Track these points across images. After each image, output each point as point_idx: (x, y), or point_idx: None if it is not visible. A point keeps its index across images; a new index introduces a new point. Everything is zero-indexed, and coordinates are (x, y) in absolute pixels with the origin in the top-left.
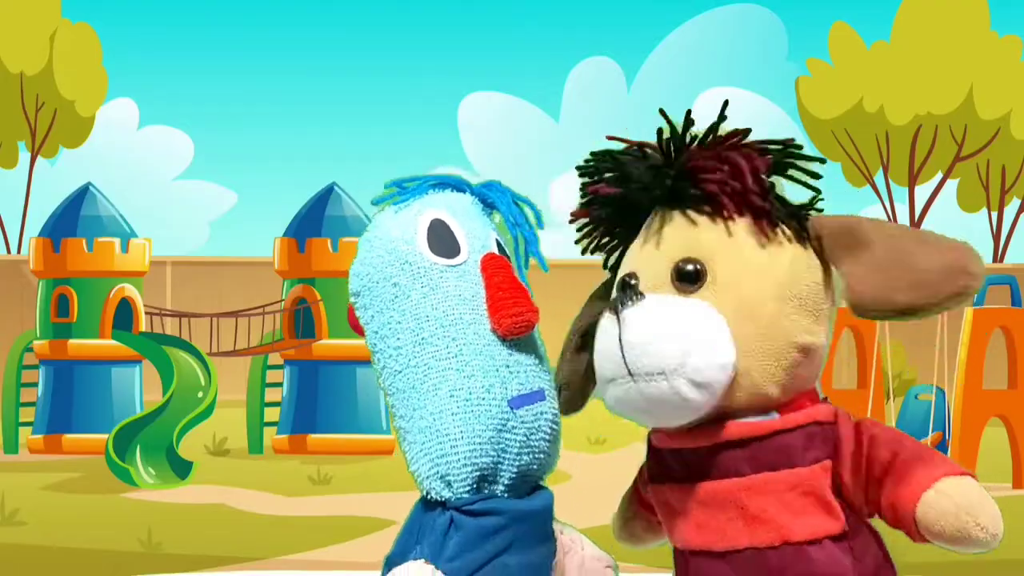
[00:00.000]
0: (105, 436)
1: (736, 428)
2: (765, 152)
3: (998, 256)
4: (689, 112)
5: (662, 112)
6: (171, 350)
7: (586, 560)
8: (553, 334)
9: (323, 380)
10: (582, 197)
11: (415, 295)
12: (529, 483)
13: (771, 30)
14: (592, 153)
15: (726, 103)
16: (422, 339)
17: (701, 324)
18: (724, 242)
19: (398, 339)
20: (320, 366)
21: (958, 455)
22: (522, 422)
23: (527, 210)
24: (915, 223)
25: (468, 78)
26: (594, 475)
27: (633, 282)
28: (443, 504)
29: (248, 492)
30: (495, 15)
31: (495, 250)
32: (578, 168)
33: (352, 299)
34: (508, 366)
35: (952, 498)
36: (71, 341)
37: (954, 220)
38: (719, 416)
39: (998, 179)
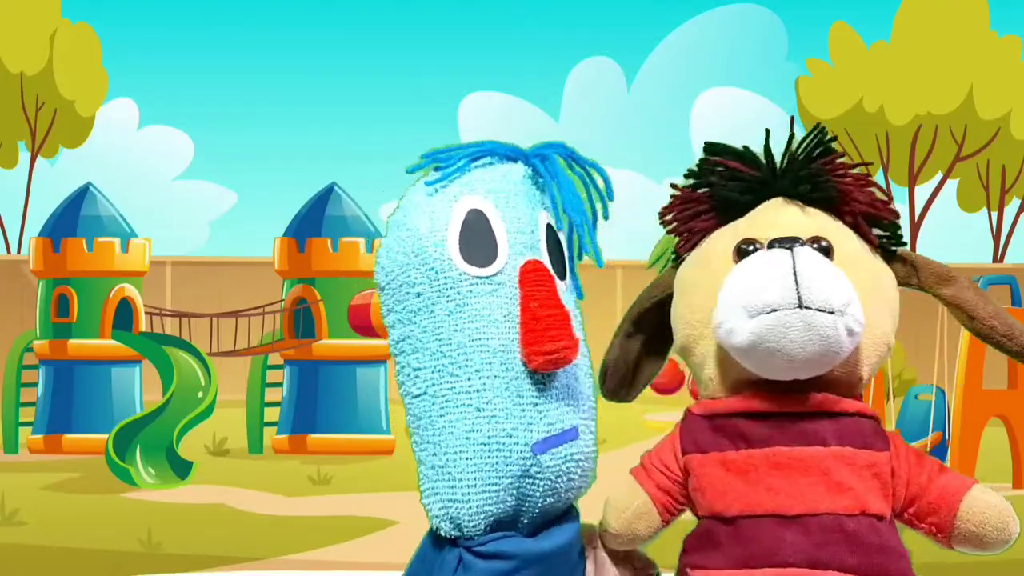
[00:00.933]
0: (105, 436)
1: (832, 399)
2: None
3: (998, 256)
4: (818, 124)
5: (791, 121)
6: (171, 350)
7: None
8: None
9: (323, 380)
10: (703, 171)
11: (439, 310)
12: (556, 516)
13: (771, 30)
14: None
15: (823, 131)
16: (442, 366)
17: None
18: (843, 235)
19: (418, 358)
20: (320, 366)
21: (958, 455)
22: (547, 467)
23: (593, 182)
24: (915, 223)
25: (468, 78)
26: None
27: (795, 238)
28: (453, 541)
29: (248, 492)
30: (495, 15)
31: (541, 250)
32: (707, 145)
33: (378, 290)
34: (536, 404)
35: (991, 496)
36: (71, 341)
37: (954, 220)
38: (816, 386)
39: (998, 179)
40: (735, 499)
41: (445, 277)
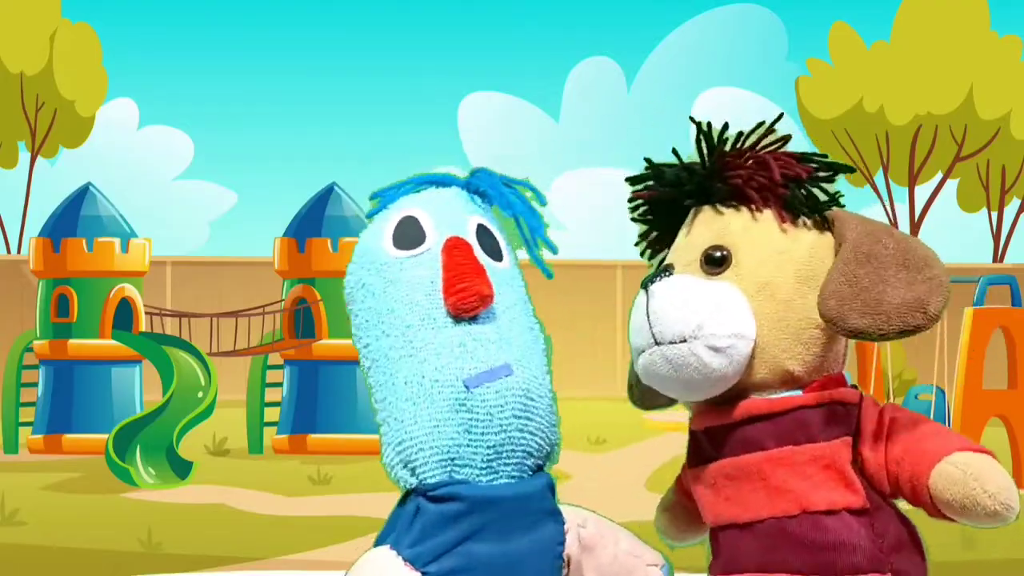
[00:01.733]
0: (105, 436)
1: (759, 403)
2: (800, 159)
3: (998, 256)
4: (726, 124)
5: (691, 119)
6: (171, 350)
7: (620, 555)
8: (562, 333)
9: (323, 380)
10: (630, 205)
11: (378, 290)
12: (517, 464)
13: (771, 30)
14: (644, 167)
15: (778, 117)
16: (383, 333)
17: (720, 297)
18: (748, 230)
19: (366, 336)
20: (320, 366)
21: None
22: (482, 400)
23: (525, 192)
24: (915, 223)
25: (468, 78)
26: (594, 475)
27: (667, 268)
28: (413, 492)
29: (248, 492)
30: (495, 15)
31: (466, 234)
32: (627, 179)
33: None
34: (463, 344)
35: (961, 467)
36: (71, 341)
37: (954, 220)
38: (745, 394)
39: (998, 179)
40: (708, 511)
41: (381, 264)
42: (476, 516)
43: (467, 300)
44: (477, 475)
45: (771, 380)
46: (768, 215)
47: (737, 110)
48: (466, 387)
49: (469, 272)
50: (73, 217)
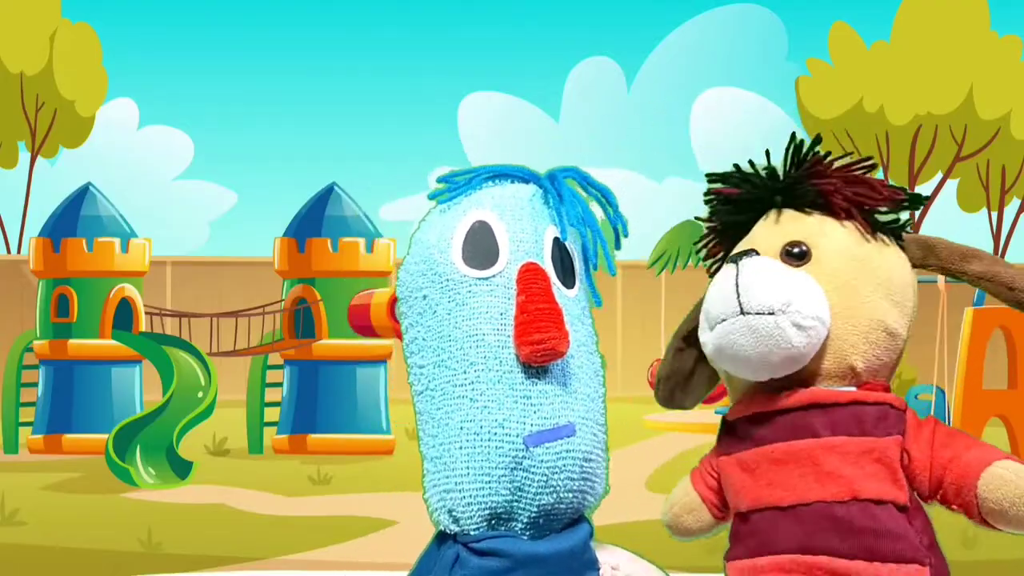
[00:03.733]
0: (105, 436)
1: (820, 392)
2: (887, 187)
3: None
4: (818, 137)
5: (792, 135)
6: (171, 350)
7: None
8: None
9: (323, 380)
10: (706, 198)
11: (441, 311)
12: (560, 519)
13: (771, 30)
14: (734, 167)
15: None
16: (442, 361)
17: (803, 283)
18: (830, 233)
19: (422, 357)
20: (320, 366)
21: None
22: (541, 461)
23: (600, 203)
24: (915, 223)
25: (468, 78)
26: None
27: (751, 250)
28: (453, 537)
29: (248, 492)
30: (495, 15)
31: (543, 257)
32: (708, 175)
33: (398, 303)
34: (529, 397)
35: (1011, 471)
36: (71, 341)
37: (954, 220)
38: (805, 382)
39: (998, 179)
40: (745, 495)
41: (447, 279)
42: (520, 572)
43: (543, 355)
44: (521, 529)
45: (834, 371)
46: (850, 225)
47: (737, 110)
48: (526, 445)
49: (548, 319)
50: (73, 217)
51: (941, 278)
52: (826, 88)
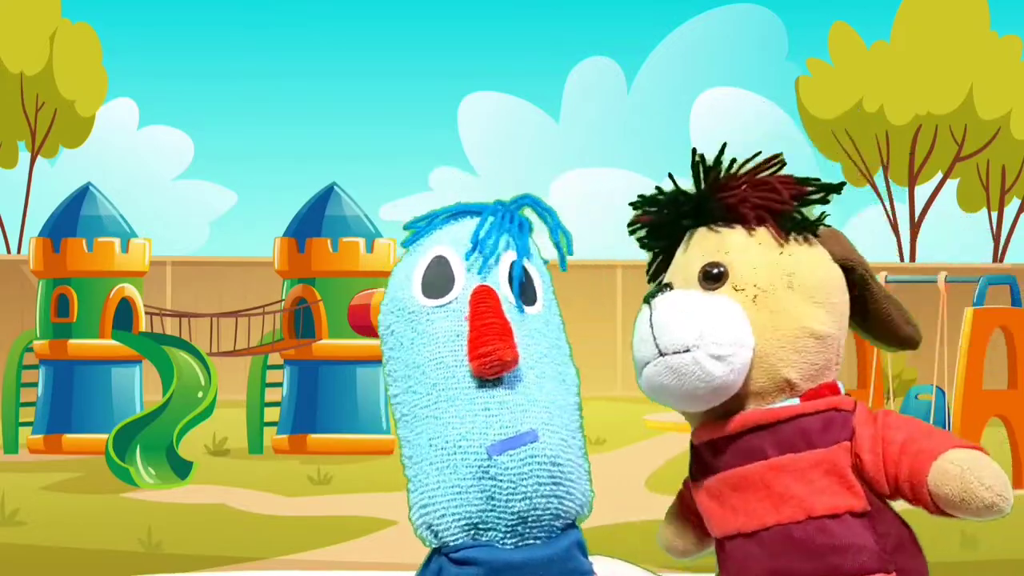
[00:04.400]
0: (105, 436)
1: (758, 413)
2: (794, 182)
3: (998, 256)
4: (723, 147)
5: (694, 152)
6: (171, 350)
7: None
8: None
9: (323, 380)
10: (630, 230)
11: (406, 341)
12: (540, 527)
13: (771, 30)
14: (640, 194)
15: (778, 158)
16: (409, 388)
17: (719, 309)
18: (742, 247)
19: (396, 387)
20: (320, 366)
21: None
22: (506, 468)
23: (546, 223)
24: (915, 223)
25: (468, 78)
26: (594, 475)
27: (667, 285)
28: (438, 551)
29: (248, 492)
30: (495, 15)
31: (498, 280)
32: (630, 204)
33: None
34: (488, 409)
35: (957, 463)
36: (71, 341)
37: (954, 220)
38: (744, 404)
39: (998, 179)
40: (715, 523)
41: (410, 312)
42: None
43: (490, 366)
44: (501, 538)
45: (769, 388)
46: (762, 232)
47: (737, 110)
48: (488, 455)
49: (493, 333)
50: (73, 217)
51: (941, 278)
52: (826, 88)
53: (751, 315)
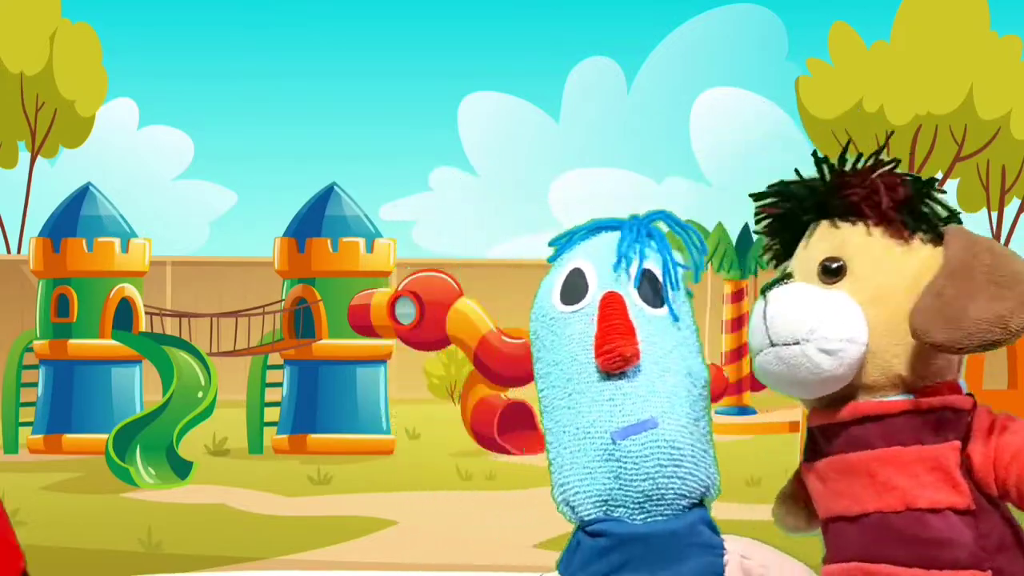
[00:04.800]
0: (105, 436)
1: (866, 405)
2: (908, 181)
3: None
4: (848, 143)
5: (814, 153)
6: (171, 350)
7: None
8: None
9: (323, 380)
10: (756, 217)
11: (547, 343)
12: (670, 504)
13: (771, 30)
14: (768, 185)
15: (882, 146)
16: (552, 384)
17: (834, 304)
18: (864, 244)
19: (541, 383)
20: (320, 366)
21: None
22: (628, 452)
23: (688, 238)
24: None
25: (468, 78)
26: None
27: (787, 276)
28: (579, 527)
29: (248, 492)
30: (495, 15)
31: (627, 287)
32: (751, 195)
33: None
34: (612, 399)
35: None
36: (71, 341)
37: None
38: (858, 395)
39: (998, 179)
40: (820, 505)
41: (551, 319)
42: (623, 550)
43: (612, 361)
44: (630, 515)
45: (883, 383)
46: (884, 230)
47: (737, 110)
48: (612, 440)
49: (616, 332)
50: (73, 217)
51: None
52: (826, 88)
53: (867, 312)
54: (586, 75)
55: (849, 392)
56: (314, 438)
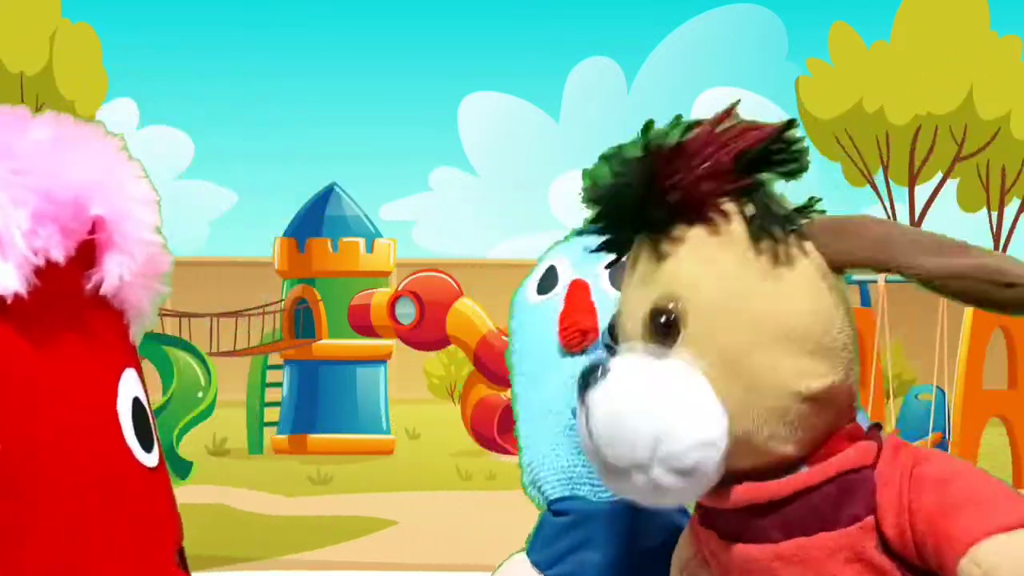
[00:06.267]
0: None
1: (749, 491)
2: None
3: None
4: (678, 117)
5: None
6: (171, 350)
7: None
8: None
9: (323, 380)
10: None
11: (519, 332)
12: None
13: (771, 30)
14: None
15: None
16: (520, 370)
17: (675, 396)
18: (696, 273)
19: (513, 372)
20: (320, 366)
21: (958, 456)
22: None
23: None
24: (915, 223)
25: (468, 78)
26: None
27: (608, 343)
28: (546, 508)
29: (248, 492)
30: (495, 15)
31: (594, 275)
32: (585, 171)
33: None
34: (573, 375)
35: (984, 565)
36: None
37: (954, 220)
38: (740, 481)
39: (998, 179)
40: None
41: (523, 308)
42: (584, 527)
43: (571, 336)
44: (596, 492)
45: (764, 467)
46: (724, 242)
47: (737, 110)
48: (574, 414)
49: (577, 310)
50: None
51: None
52: (826, 88)
53: (715, 382)
54: (586, 75)
55: (730, 479)
56: (314, 438)
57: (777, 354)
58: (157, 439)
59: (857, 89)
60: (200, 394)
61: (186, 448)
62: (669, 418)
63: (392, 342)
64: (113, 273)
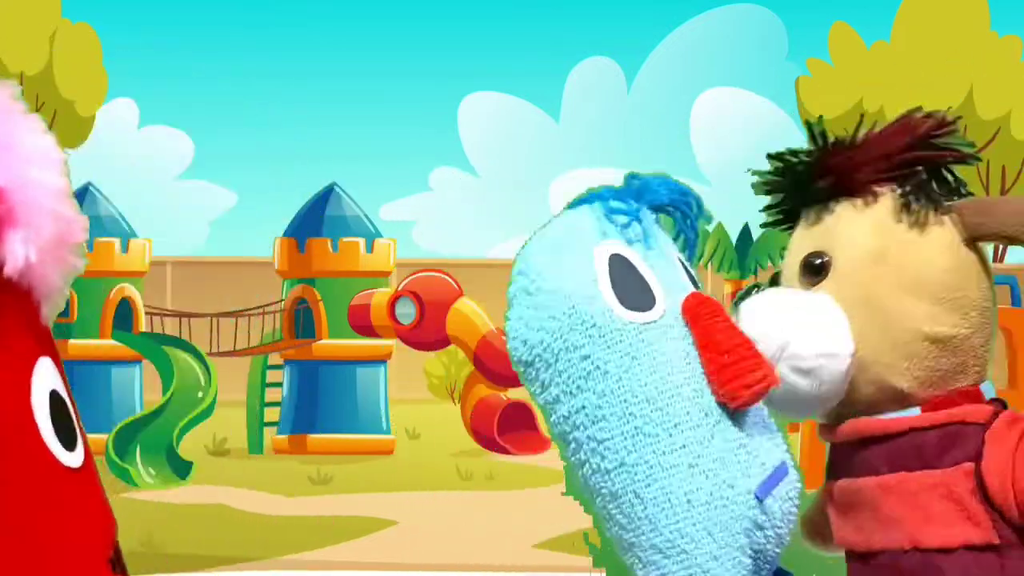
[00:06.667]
0: (105, 436)
1: (865, 423)
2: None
3: (998, 256)
4: (862, 116)
5: (807, 123)
6: (171, 350)
7: None
8: None
9: (323, 380)
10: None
11: (614, 368)
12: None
13: (771, 30)
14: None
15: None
16: (635, 428)
17: (809, 313)
18: (849, 230)
19: (601, 428)
20: (320, 366)
21: None
22: (773, 514)
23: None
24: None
25: (468, 78)
26: None
27: (773, 278)
28: None
29: (248, 492)
30: (495, 15)
31: (688, 284)
32: (750, 170)
33: (518, 368)
34: (744, 446)
35: None
36: (71, 341)
37: None
38: (856, 413)
39: (998, 179)
40: (836, 535)
41: (611, 331)
42: None
43: (758, 393)
44: None
45: (880, 398)
46: (876, 211)
47: (737, 110)
48: (757, 499)
49: (746, 351)
50: None
51: None
52: (826, 88)
53: (853, 316)
54: (586, 75)
55: (846, 411)
56: (314, 438)
57: (911, 299)
58: (82, 434)
59: (857, 89)
60: (200, 394)
61: (186, 448)
62: (798, 327)
63: (392, 342)
64: (17, 252)
